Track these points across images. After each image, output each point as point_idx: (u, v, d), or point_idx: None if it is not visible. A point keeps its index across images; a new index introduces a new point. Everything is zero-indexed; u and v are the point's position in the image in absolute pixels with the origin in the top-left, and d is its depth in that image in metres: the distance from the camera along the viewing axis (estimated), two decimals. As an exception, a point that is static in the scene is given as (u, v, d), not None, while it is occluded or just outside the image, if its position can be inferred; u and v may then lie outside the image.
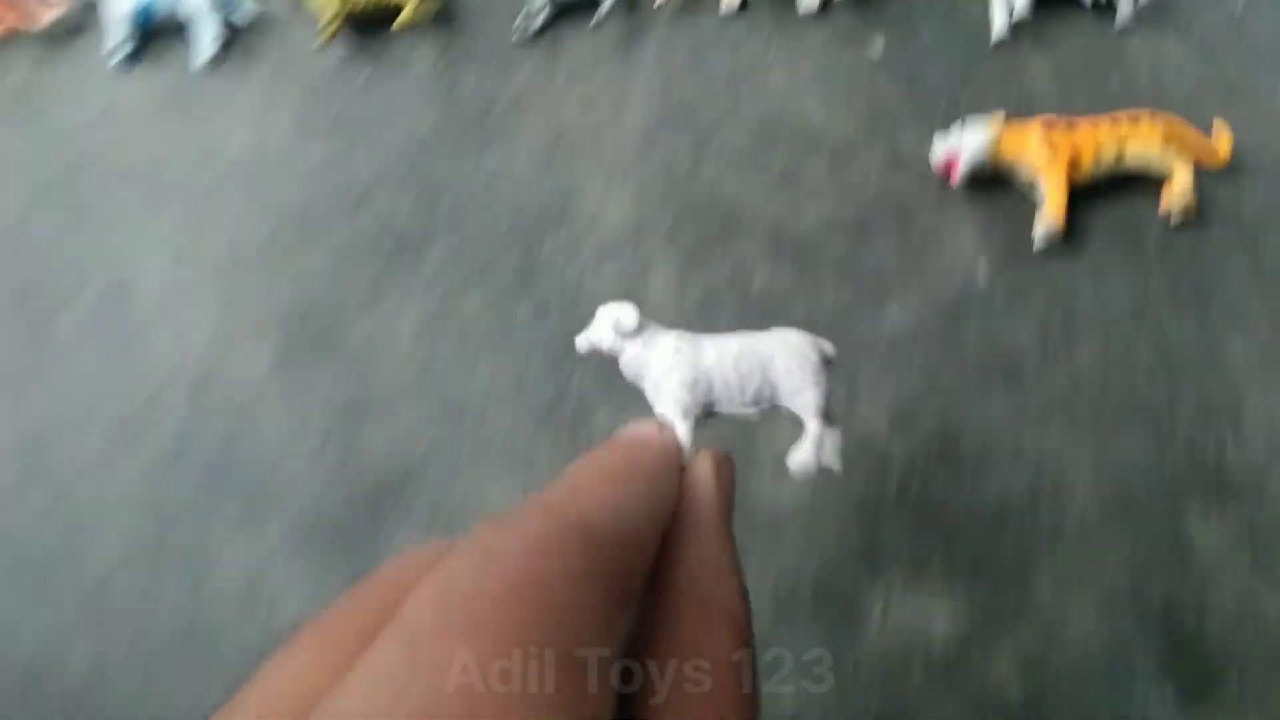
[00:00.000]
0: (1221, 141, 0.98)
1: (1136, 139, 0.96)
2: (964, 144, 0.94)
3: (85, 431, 0.86)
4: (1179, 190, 0.95)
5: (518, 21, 1.03)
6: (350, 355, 0.90)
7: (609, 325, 0.39)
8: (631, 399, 0.92)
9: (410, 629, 0.19)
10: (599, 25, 1.03)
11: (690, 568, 0.29)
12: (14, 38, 0.96)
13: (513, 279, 0.93)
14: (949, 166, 0.95)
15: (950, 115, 0.98)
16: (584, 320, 0.95)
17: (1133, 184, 0.99)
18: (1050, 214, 0.93)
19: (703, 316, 0.92)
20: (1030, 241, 0.96)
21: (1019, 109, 0.99)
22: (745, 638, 0.28)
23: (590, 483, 0.27)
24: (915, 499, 0.87)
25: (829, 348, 0.41)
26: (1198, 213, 0.97)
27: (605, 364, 0.94)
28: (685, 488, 0.32)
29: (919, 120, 1.01)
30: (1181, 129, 0.98)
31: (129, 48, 0.96)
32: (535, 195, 0.97)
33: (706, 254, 0.95)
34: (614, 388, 0.90)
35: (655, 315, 0.97)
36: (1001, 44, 1.04)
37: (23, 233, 0.93)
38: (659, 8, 1.04)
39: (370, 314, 0.91)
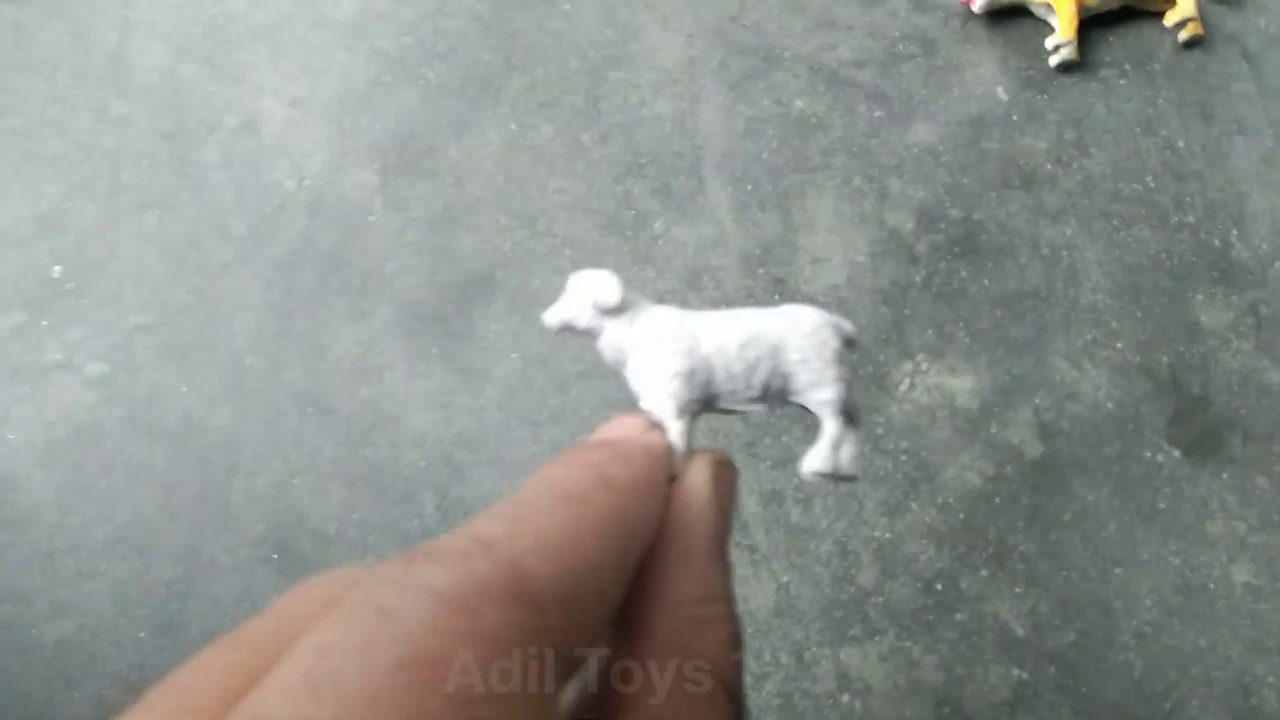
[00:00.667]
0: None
1: (1145, -32, 0.85)
2: (985, -24, 0.85)
3: (221, 239, 0.82)
4: (1183, 7, 0.83)
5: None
6: (442, 175, 0.84)
7: (587, 299, 0.26)
8: (686, 213, 0.86)
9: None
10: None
11: (673, 609, 0.19)
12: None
13: (579, 111, 0.86)
14: (971, -4, 0.86)
15: (971, -34, 0.89)
16: (642, 145, 0.89)
17: (1141, 16, 0.89)
18: (1062, 30, 0.82)
19: (749, 137, 0.85)
20: (1046, 67, 0.86)
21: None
22: (735, 702, 0.19)
23: (539, 509, 0.17)
24: (939, 288, 0.79)
25: (849, 327, 0.29)
26: (1204, 37, 0.86)
27: (660, 180, 0.88)
28: (675, 502, 0.22)
29: (943, -29, 0.91)
30: (1188, -40, 0.87)
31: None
32: (598, 41, 0.89)
33: (751, 86, 0.87)
34: (669, 200, 0.84)
35: (705, 141, 0.90)
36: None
37: (170, 81, 0.89)
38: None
39: (458, 141, 0.85)
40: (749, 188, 0.82)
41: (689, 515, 0.21)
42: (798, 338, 0.27)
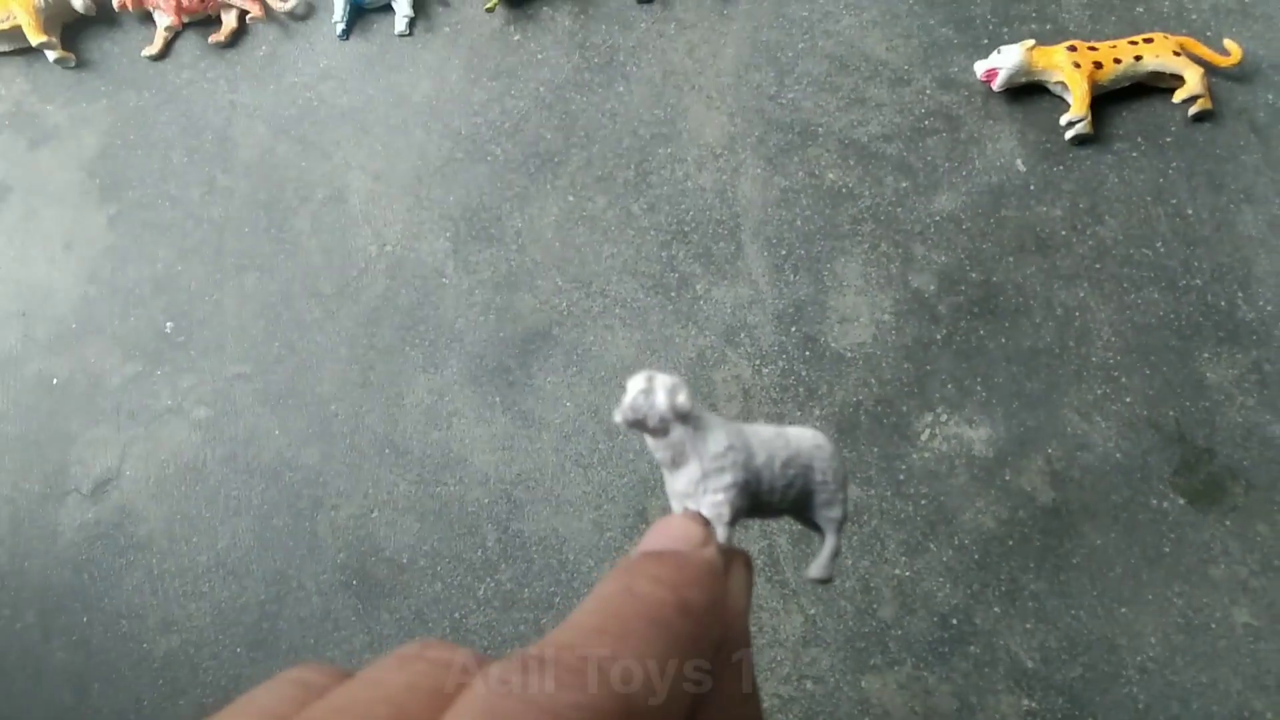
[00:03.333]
0: (1232, 51, 0.94)
1: (1150, 51, 0.92)
2: (1002, 59, 0.94)
3: (311, 298, 0.95)
4: (1190, 85, 0.91)
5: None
6: (507, 242, 0.96)
7: (663, 402, 0.28)
8: (725, 276, 0.96)
9: None
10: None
11: (722, 709, 0.22)
12: (260, 20, 1.07)
13: (630, 184, 0.97)
14: (990, 76, 0.95)
15: (993, 47, 0.97)
16: (686, 214, 0.99)
17: (1152, 92, 0.96)
18: (1075, 107, 0.91)
19: (784, 206, 0.95)
20: (1062, 140, 0.94)
21: (1052, 39, 0.98)
22: None
23: (635, 634, 0.19)
24: (958, 346, 0.87)
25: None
26: (1213, 110, 0.94)
27: (702, 245, 0.98)
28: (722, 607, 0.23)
29: (966, 52, 0.98)
30: (1192, 43, 0.93)
31: (345, 22, 1.06)
32: (648, 120, 1.00)
33: (786, 160, 0.97)
34: (710, 263, 0.94)
35: (744, 209, 1.00)
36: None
37: (269, 158, 1.02)
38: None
39: (521, 211, 0.97)
40: (783, 252, 0.91)
41: (733, 620, 0.24)
42: (821, 461, 0.31)
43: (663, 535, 0.25)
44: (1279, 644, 0.73)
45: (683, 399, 0.28)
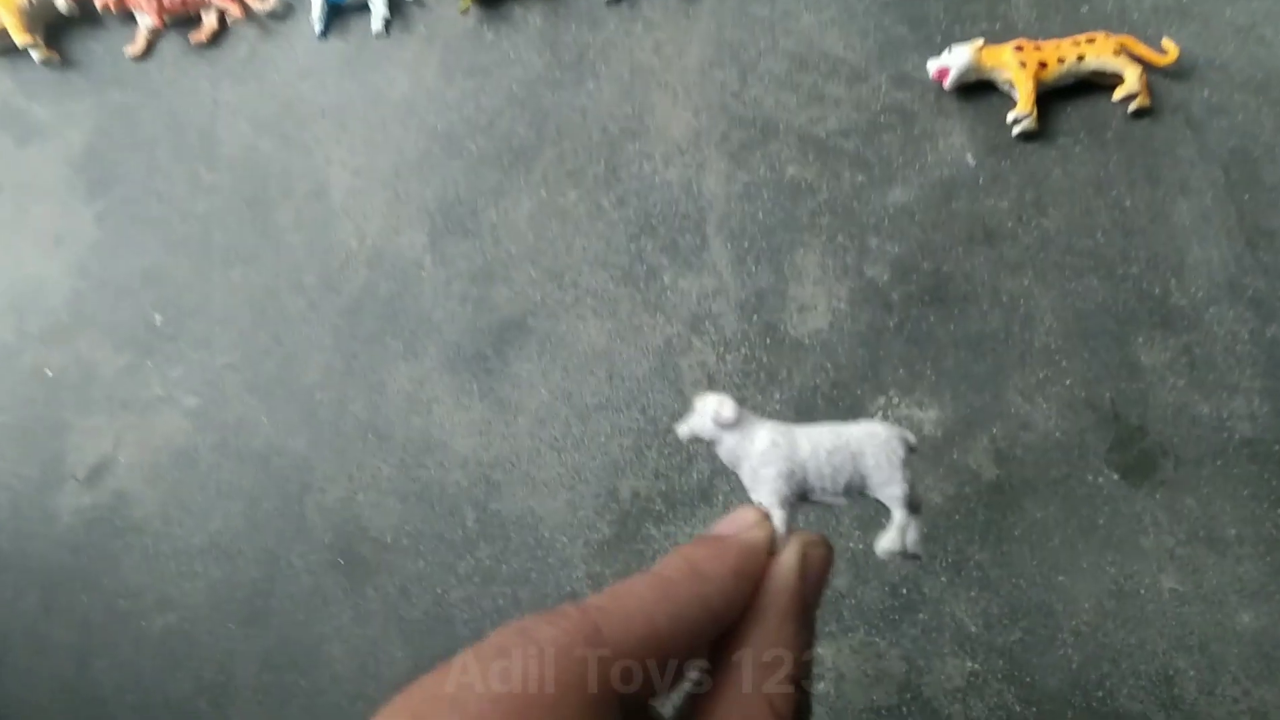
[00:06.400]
0: (1169, 50, 0.98)
1: (1093, 50, 0.96)
2: (953, 58, 0.97)
3: (295, 291, 0.97)
4: (1129, 83, 0.95)
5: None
6: (482, 235, 0.98)
7: (709, 416, 0.33)
8: (691, 267, 0.99)
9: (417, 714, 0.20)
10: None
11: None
12: (241, 22, 1.09)
13: (600, 178, 1.00)
14: (941, 75, 0.98)
15: (945, 45, 1.01)
16: (654, 208, 1.03)
17: (1095, 89, 1.00)
18: (1021, 104, 0.95)
19: (746, 200, 0.98)
20: (1009, 136, 0.98)
21: (1002, 37, 1.02)
22: None
23: (637, 589, 0.24)
24: (910, 332, 0.91)
25: (911, 438, 0.35)
26: (1151, 107, 0.98)
27: (669, 238, 1.02)
28: (769, 574, 0.28)
29: (920, 50, 1.01)
30: (1132, 42, 0.97)
31: (323, 22, 1.09)
32: (617, 116, 1.03)
33: (749, 155, 1.00)
34: (676, 255, 0.97)
35: (708, 203, 1.04)
36: (990, -16, 1.05)
37: (252, 155, 1.04)
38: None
39: (496, 206, 1.00)
40: (746, 244, 0.95)
41: (774, 585, 0.27)
42: (872, 447, 0.34)
43: (723, 523, 0.30)
44: (1201, 608, 0.78)
45: (725, 412, 0.33)
